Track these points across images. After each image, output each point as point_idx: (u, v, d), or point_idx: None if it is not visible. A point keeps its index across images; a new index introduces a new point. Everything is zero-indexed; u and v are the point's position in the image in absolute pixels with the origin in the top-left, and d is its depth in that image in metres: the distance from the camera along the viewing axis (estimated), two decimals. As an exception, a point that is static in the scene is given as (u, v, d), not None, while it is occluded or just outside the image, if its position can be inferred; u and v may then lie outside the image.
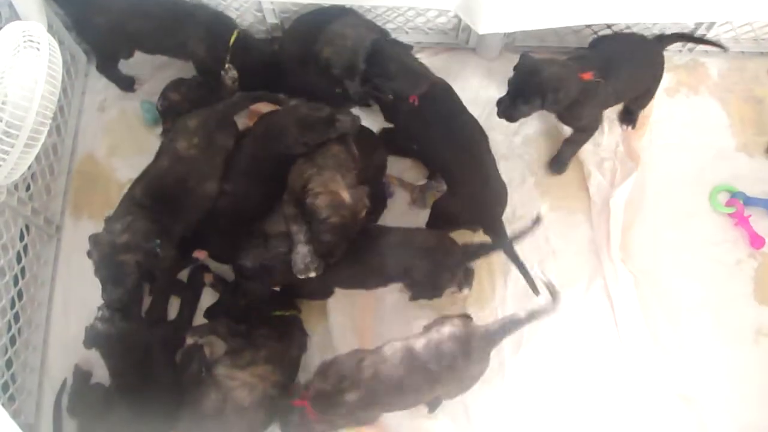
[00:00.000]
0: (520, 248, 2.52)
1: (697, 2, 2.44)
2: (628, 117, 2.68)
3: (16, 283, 2.34)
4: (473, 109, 2.39)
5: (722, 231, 2.60)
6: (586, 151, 2.64)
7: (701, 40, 2.72)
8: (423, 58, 2.73)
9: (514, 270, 2.48)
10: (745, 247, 2.57)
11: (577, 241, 2.57)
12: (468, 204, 2.34)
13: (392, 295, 2.45)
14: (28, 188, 2.43)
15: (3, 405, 1.93)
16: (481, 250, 2.33)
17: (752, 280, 2.54)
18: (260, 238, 2.25)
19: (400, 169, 2.61)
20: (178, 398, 2.19)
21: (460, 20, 2.63)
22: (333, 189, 2.15)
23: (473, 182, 2.32)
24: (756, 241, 2.55)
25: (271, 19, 2.67)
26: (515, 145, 2.70)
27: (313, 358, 2.34)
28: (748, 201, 2.59)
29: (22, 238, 2.39)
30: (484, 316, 2.42)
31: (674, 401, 2.37)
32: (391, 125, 2.57)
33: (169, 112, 2.55)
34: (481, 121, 2.38)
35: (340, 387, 1.99)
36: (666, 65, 2.60)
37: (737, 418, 2.35)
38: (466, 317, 2.14)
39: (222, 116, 2.36)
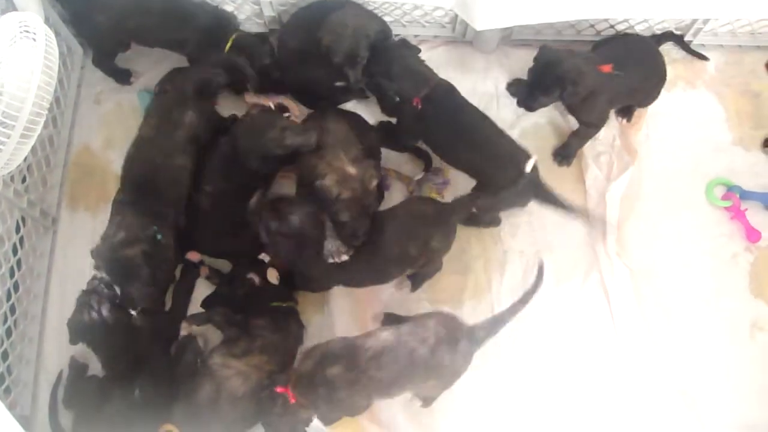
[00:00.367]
0: (515, 242, 2.54)
1: (693, -1, 2.46)
2: (624, 110, 2.68)
3: (12, 275, 2.33)
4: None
5: (718, 224, 2.60)
6: (586, 144, 2.64)
7: (688, 48, 2.78)
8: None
9: (510, 264, 2.52)
10: (741, 240, 2.58)
11: (574, 235, 2.56)
12: (505, 196, 2.31)
13: (388, 290, 2.46)
14: (24, 180, 2.42)
15: (-1, 397, 1.93)
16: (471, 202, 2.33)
17: (748, 273, 2.54)
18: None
19: (398, 162, 2.61)
20: (173, 389, 2.19)
21: (457, 14, 2.63)
22: (337, 166, 2.16)
23: (500, 178, 2.28)
24: (752, 234, 2.56)
25: (269, 12, 2.66)
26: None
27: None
28: (745, 195, 2.60)
29: (18, 230, 2.38)
30: (481, 309, 2.43)
31: (670, 395, 2.38)
32: (388, 119, 2.58)
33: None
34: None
35: (322, 363, 1.98)
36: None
37: (732, 411, 2.36)
38: (453, 314, 2.13)
39: (180, 94, 2.40)
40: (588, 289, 2.50)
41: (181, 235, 2.35)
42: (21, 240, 2.39)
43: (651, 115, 2.72)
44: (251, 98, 2.59)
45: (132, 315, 2.25)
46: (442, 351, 1.99)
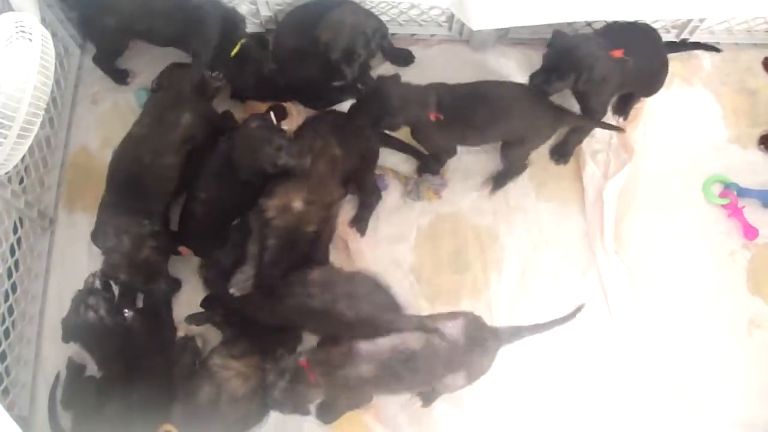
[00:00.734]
0: (513, 240, 2.55)
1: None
2: (621, 108, 2.68)
3: (9, 276, 2.33)
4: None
5: (715, 222, 2.60)
6: (583, 141, 2.65)
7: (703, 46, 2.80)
8: (417, 50, 2.76)
9: (508, 261, 2.52)
10: (738, 238, 2.58)
11: (571, 233, 2.57)
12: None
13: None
14: (21, 181, 2.42)
15: (-3, 398, 1.93)
16: None
17: (745, 271, 2.54)
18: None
19: (395, 161, 2.61)
20: (170, 389, 2.19)
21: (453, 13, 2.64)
22: (289, 195, 2.20)
23: (541, 124, 2.44)
24: (749, 232, 2.56)
25: (265, 12, 2.66)
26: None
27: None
28: (742, 192, 2.60)
29: (15, 230, 2.38)
30: (479, 307, 2.42)
31: (668, 392, 2.38)
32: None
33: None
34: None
35: (353, 359, 2.01)
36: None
37: (730, 408, 2.36)
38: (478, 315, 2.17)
39: (177, 94, 2.41)
40: (586, 286, 2.50)
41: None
42: (19, 241, 2.39)
43: (648, 113, 2.71)
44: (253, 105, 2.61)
45: (126, 316, 2.25)
46: (472, 351, 2.04)
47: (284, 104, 2.60)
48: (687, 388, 2.39)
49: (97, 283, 2.26)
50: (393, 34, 2.72)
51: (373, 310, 2.16)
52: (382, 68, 2.74)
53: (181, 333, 2.33)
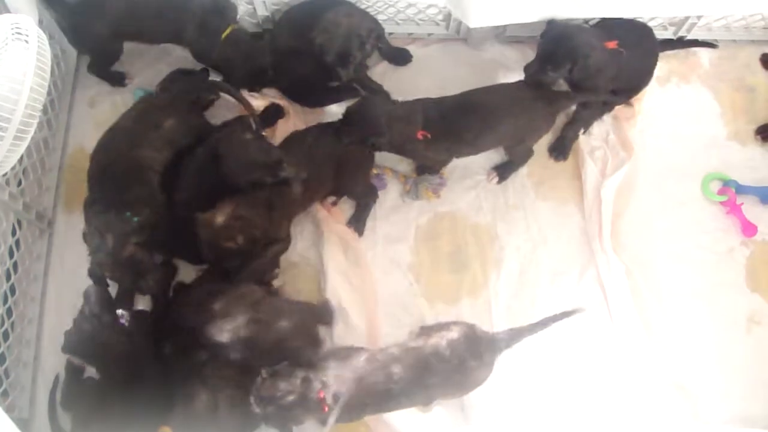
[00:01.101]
0: (512, 239, 2.54)
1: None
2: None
3: (8, 278, 2.33)
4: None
5: (714, 219, 2.60)
6: (580, 139, 2.65)
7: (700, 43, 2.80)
8: (414, 49, 2.76)
9: (507, 260, 2.52)
10: (737, 235, 2.58)
11: (570, 231, 2.57)
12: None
13: (385, 288, 2.47)
14: (19, 183, 2.41)
15: (-3, 400, 1.93)
16: None
17: (744, 268, 2.54)
18: None
19: (394, 160, 2.61)
20: (168, 390, 2.16)
21: (450, 11, 2.63)
22: (220, 209, 2.20)
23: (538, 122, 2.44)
24: (748, 228, 2.56)
25: (262, 12, 2.66)
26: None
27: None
28: (740, 189, 2.60)
29: (14, 233, 2.38)
30: (478, 306, 2.44)
31: (667, 390, 2.38)
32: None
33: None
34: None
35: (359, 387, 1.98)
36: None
37: (729, 404, 2.36)
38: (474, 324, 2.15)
39: (169, 100, 2.43)
40: (584, 284, 2.50)
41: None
42: (17, 243, 2.39)
43: (645, 111, 2.71)
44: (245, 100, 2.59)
45: (122, 321, 2.22)
46: (467, 363, 2.02)
47: (281, 103, 2.60)
48: (686, 385, 2.39)
49: (91, 299, 2.22)
50: (390, 34, 2.72)
51: (278, 342, 2.11)
52: (380, 67, 2.75)
53: None
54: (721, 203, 2.60)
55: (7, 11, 2.23)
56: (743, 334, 2.46)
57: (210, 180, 2.28)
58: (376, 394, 1.99)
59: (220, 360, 2.13)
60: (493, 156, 2.61)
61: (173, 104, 2.42)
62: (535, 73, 2.32)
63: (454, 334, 2.05)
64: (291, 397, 1.89)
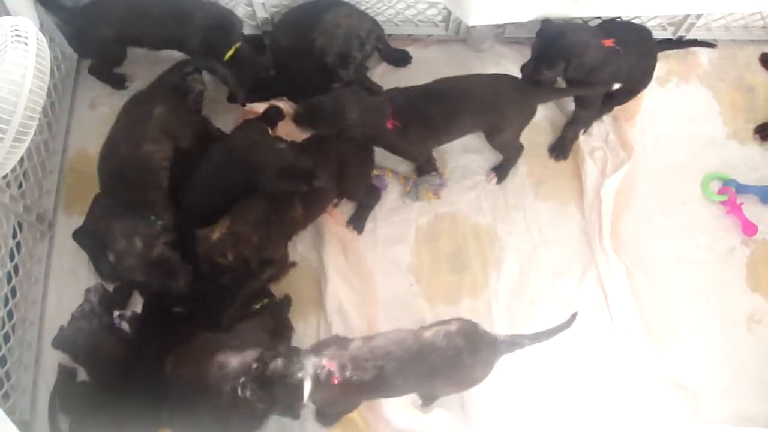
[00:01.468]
0: (512, 239, 2.54)
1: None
2: (607, 103, 2.65)
3: (9, 280, 2.33)
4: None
5: (714, 219, 2.60)
6: (581, 139, 2.65)
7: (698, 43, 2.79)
8: (413, 50, 2.77)
9: (507, 261, 2.51)
10: (737, 234, 2.57)
11: (570, 232, 2.57)
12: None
13: (384, 287, 2.48)
14: (20, 186, 2.42)
15: (-2, 403, 1.93)
16: None
17: (745, 267, 2.54)
18: None
19: (394, 161, 2.61)
20: (162, 393, 2.12)
21: (450, 12, 2.64)
22: (219, 225, 2.22)
23: (511, 110, 2.40)
24: (748, 228, 2.56)
25: (261, 14, 2.67)
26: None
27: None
28: (740, 188, 2.60)
29: (14, 235, 2.38)
30: (478, 307, 2.44)
31: (668, 390, 2.37)
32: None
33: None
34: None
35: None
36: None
37: (730, 404, 2.35)
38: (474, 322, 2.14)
39: (149, 90, 2.43)
40: (585, 284, 2.50)
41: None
42: (18, 245, 2.39)
43: (645, 111, 2.72)
44: (249, 106, 2.61)
45: (117, 323, 2.23)
46: (464, 358, 2.01)
47: (280, 105, 2.60)
48: (687, 385, 2.38)
49: (93, 299, 2.23)
50: (389, 35, 2.73)
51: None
52: (380, 69, 2.76)
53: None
54: (721, 203, 2.60)
55: (7, 14, 2.24)
56: (744, 334, 2.45)
57: (222, 186, 2.31)
58: (372, 370, 1.97)
59: None
60: (492, 157, 2.61)
61: (155, 91, 2.42)
62: (531, 73, 2.32)
63: (452, 327, 2.06)
64: (299, 374, 1.88)
